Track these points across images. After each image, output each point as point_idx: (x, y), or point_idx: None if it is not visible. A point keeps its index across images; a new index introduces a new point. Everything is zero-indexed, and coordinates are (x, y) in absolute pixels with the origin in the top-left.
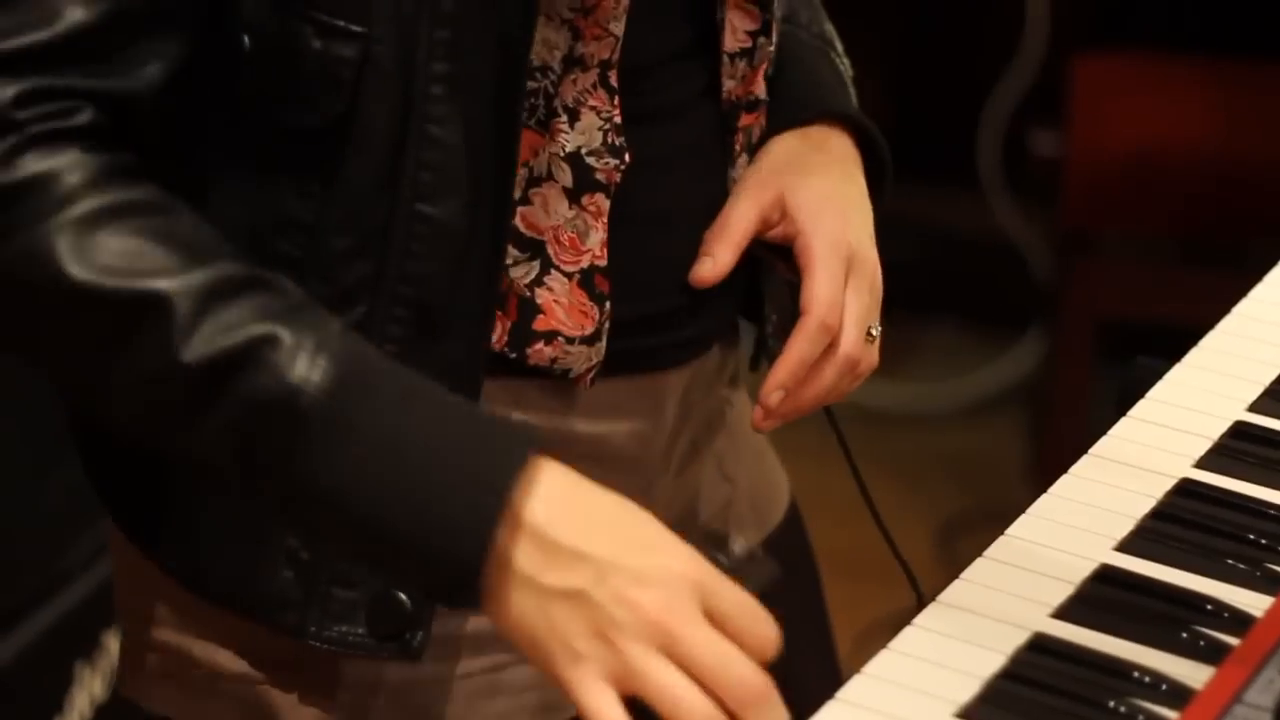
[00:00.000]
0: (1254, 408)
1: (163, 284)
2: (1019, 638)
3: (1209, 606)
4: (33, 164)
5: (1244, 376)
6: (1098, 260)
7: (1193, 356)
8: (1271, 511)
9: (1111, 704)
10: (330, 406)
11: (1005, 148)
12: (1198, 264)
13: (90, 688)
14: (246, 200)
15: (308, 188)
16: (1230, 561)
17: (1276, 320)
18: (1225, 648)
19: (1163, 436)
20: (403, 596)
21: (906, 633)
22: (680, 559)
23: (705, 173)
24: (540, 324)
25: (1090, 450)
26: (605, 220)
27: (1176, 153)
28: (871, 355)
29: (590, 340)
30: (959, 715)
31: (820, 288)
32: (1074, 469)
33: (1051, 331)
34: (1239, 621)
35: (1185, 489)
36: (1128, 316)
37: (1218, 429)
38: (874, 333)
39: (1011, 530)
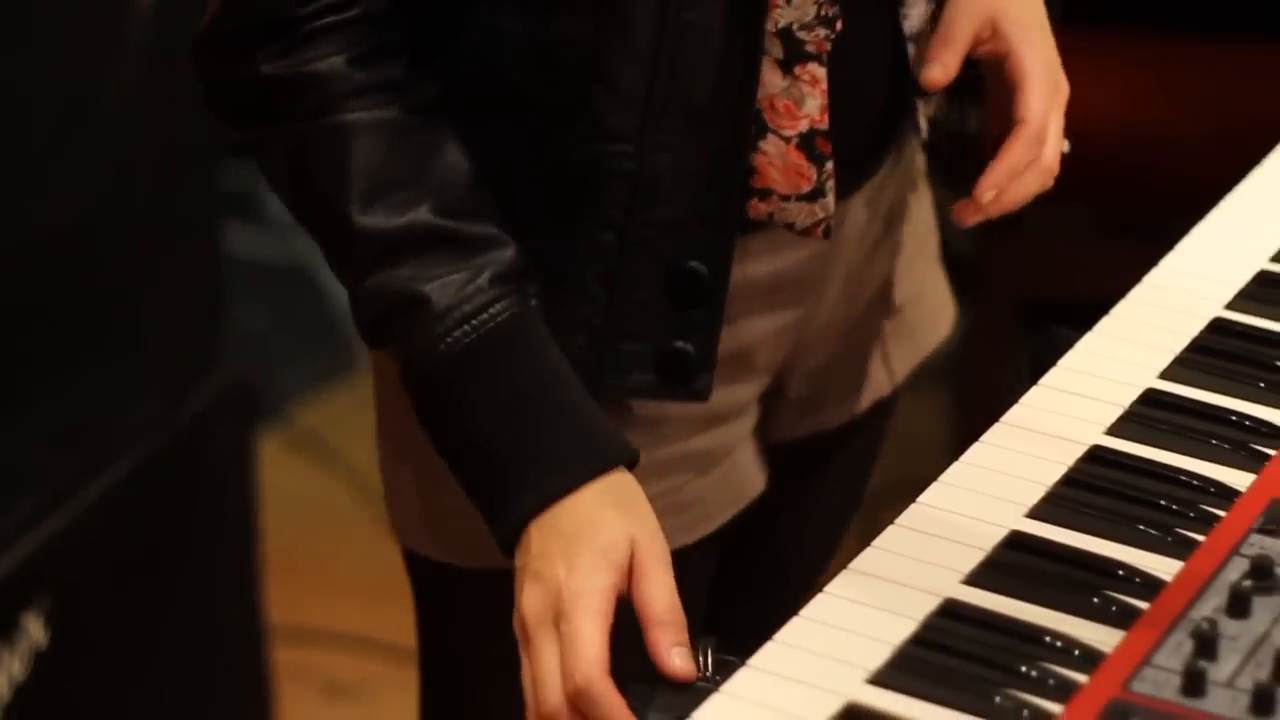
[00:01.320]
0: (1165, 375)
1: (368, 221)
2: (930, 604)
3: (1120, 572)
4: (309, 60)
5: (1155, 344)
6: (1018, 236)
7: (1104, 325)
8: (1182, 477)
9: (1023, 668)
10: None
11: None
12: (1118, 239)
13: (9, 668)
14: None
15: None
16: (1141, 527)
17: (1187, 288)
18: (1135, 612)
19: (1074, 404)
20: (688, 346)
21: (818, 600)
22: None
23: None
24: (756, 182)
25: (1002, 418)
26: (824, 87)
27: (1097, 128)
28: (1057, 168)
29: (810, 197)
30: (870, 681)
31: (1036, 101)
32: (985, 437)
33: (973, 306)
34: (1149, 586)
35: (1096, 456)
36: (1048, 291)
37: (1129, 396)
38: (1065, 149)
39: (923, 498)
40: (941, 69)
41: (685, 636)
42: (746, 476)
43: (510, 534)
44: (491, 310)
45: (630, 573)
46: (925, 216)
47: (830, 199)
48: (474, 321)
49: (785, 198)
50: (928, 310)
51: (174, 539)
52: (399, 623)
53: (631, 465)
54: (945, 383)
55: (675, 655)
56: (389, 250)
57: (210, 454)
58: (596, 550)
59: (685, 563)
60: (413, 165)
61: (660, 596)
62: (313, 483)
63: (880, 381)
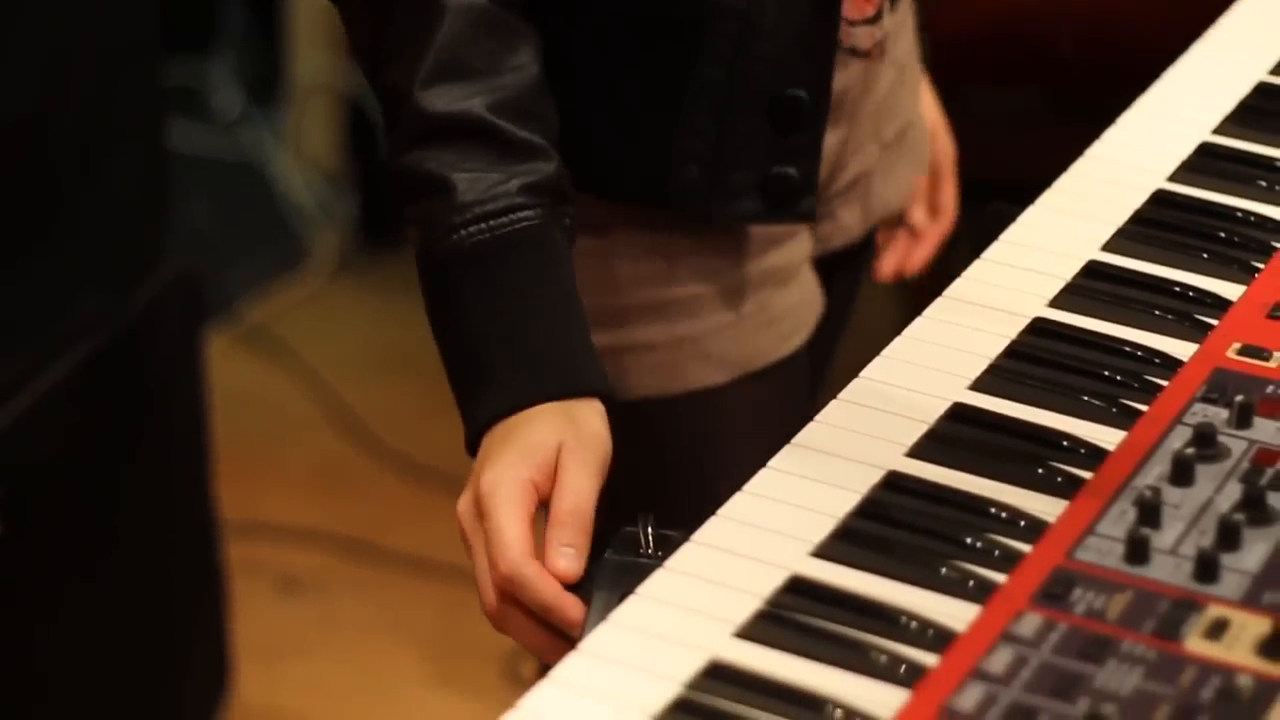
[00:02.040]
0: (1107, 247)
1: (425, 98)
2: (873, 476)
3: (1064, 442)
4: None
5: (1097, 217)
6: (966, 118)
7: (1046, 199)
8: (1125, 348)
9: (967, 539)
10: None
11: None
12: (1067, 122)
13: None
14: None
15: None
16: (1084, 398)
17: (1128, 161)
18: (1079, 482)
19: (1016, 277)
20: (792, 171)
21: (761, 475)
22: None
23: None
24: None
25: (944, 293)
26: None
27: (1043, 10)
28: None
29: (873, 20)
30: (814, 554)
31: (951, 190)
32: (928, 311)
33: None
34: (1093, 456)
35: (1039, 328)
36: (997, 174)
37: (1071, 269)
38: None
39: (866, 372)
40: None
41: (581, 540)
42: (816, 289)
43: (472, 438)
44: (512, 217)
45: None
46: (915, 41)
47: (886, 20)
48: (491, 223)
49: (853, 23)
50: (923, 132)
51: (123, 434)
52: (351, 516)
53: (604, 396)
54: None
55: (560, 556)
56: (434, 132)
57: (158, 349)
58: (517, 448)
59: (788, 373)
60: (485, 57)
61: (565, 497)
62: (263, 378)
63: (890, 198)
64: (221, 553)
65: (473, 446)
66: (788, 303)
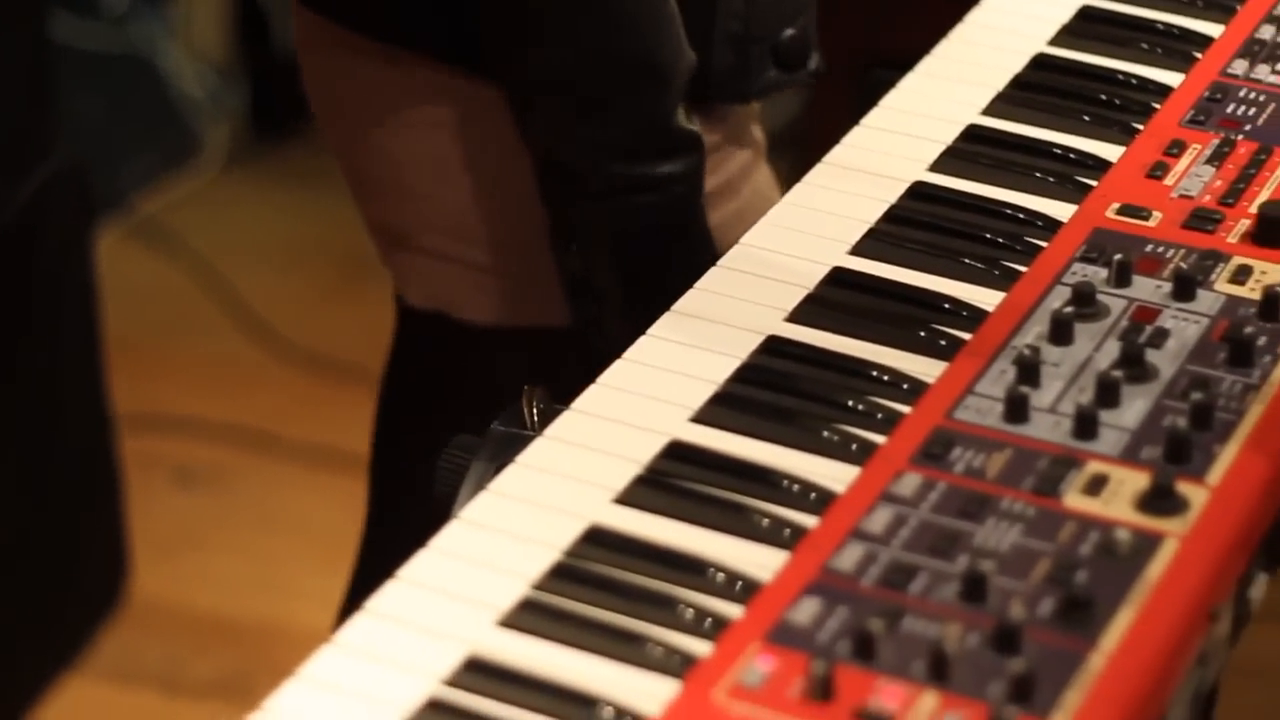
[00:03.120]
0: (987, 111)
1: None
2: (753, 342)
3: (945, 305)
4: None
5: (977, 81)
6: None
7: (925, 65)
8: (1006, 210)
9: (848, 402)
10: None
11: None
12: None
13: None
14: None
15: None
16: (965, 260)
17: (1008, 27)
18: (960, 343)
19: (896, 142)
20: (797, 31)
21: (640, 342)
22: None
23: None
24: None
25: (824, 159)
26: None
27: None
28: None
29: None
30: (694, 420)
31: None
32: (807, 177)
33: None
34: (974, 318)
35: (918, 192)
36: (887, 52)
37: (950, 133)
38: None
39: (746, 238)
40: None
41: None
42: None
43: None
44: None
45: None
46: None
47: None
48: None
49: None
50: None
51: (11, 325)
52: (248, 408)
53: None
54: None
55: None
56: None
57: (46, 241)
58: None
59: None
60: None
61: None
62: (157, 272)
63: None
64: (118, 446)
65: None
66: (768, 180)
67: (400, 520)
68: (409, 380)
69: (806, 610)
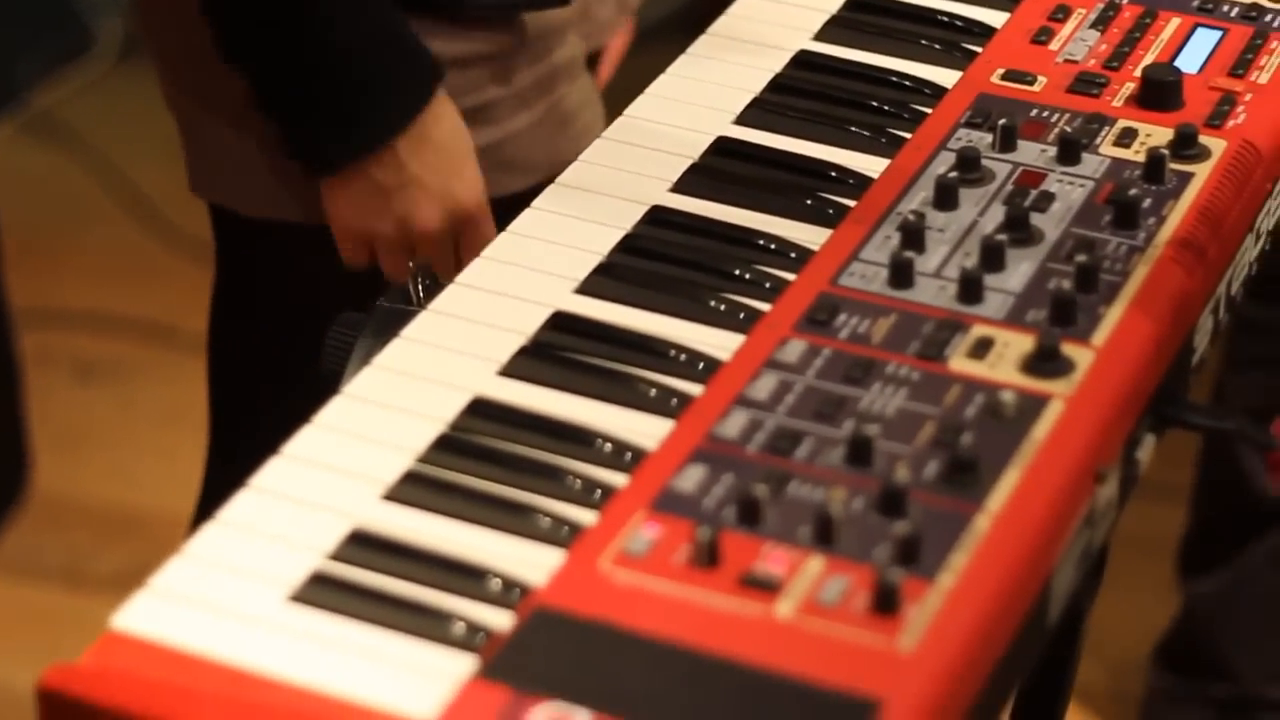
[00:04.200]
0: None
1: None
2: (638, 213)
3: (831, 173)
4: None
5: None
6: None
7: None
8: (891, 78)
9: (735, 271)
10: None
11: None
12: None
13: None
14: None
15: None
16: (851, 128)
17: None
18: (847, 211)
19: (780, 12)
20: None
21: (526, 215)
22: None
23: None
24: None
25: (707, 29)
26: None
27: None
28: None
29: None
30: (579, 291)
31: None
32: (691, 48)
33: None
34: (860, 185)
35: (803, 60)
36: None
37: (835, 2)
38: None
39: (630, 110)
40: None
41: None
42: (594, 88)
43: (373, 145)
44: None
45: None
46: None
47: None
48: None
49: None
50: None
51: None
52: (148, 301)
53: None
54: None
55: None
56: None
57: None
58: (464, 153)
59: None
60: None
61: None
62: (54, 166)
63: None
64: (16, 342)
65: (364, 151)
66: (575, 100)
67: (243, 425)
68: (224, 280)
69: (691, 478)
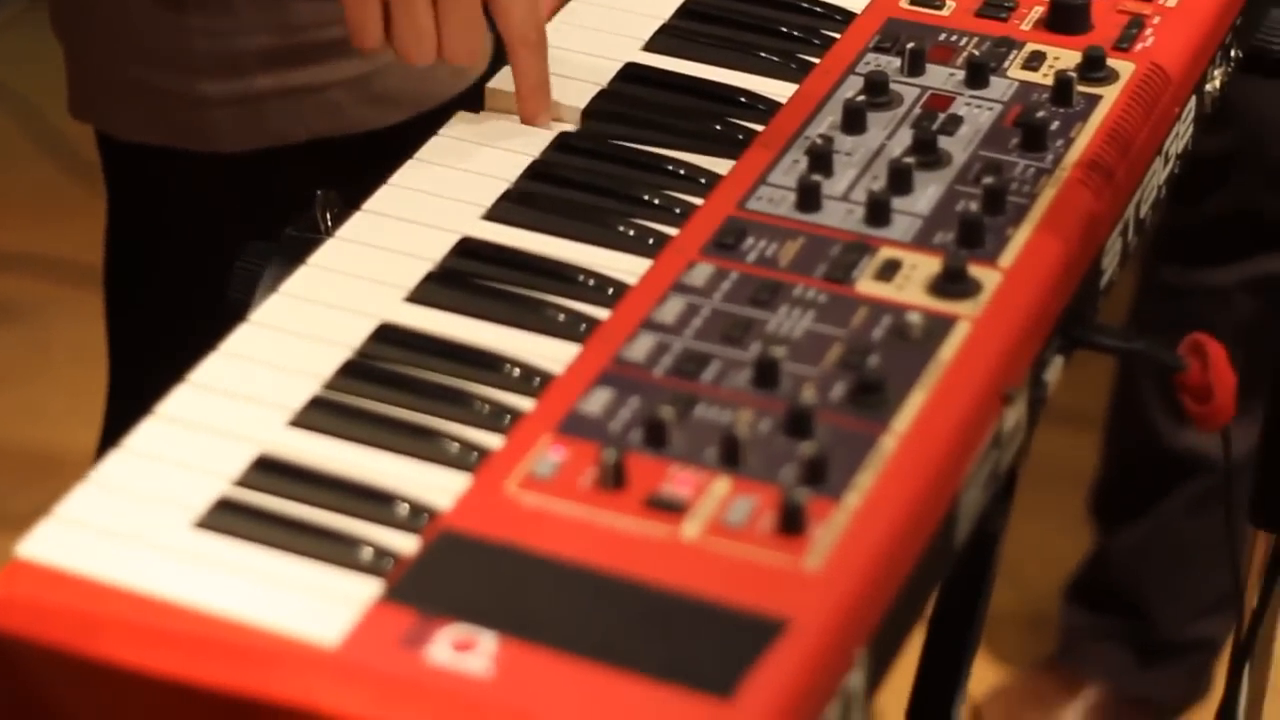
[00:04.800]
0: None
1: None
2: (547, 138)
3: (741, 99)
4: None
5: None
6: None
7: None
8: (802, 3)
9: (645, 196)
10: None
11: None
12: None
13: None
14: None
15: None
16: (761, 54)
17: None
18: (756, 136)
19: None
20: None
21: (432, 142)
22: None
23: None
24: None
25: None
26: None
27: None
28: None
29: None
30: (486, 217)
31: None
32: None
33: None
34: (769, 110)
35: None
36: None
37: None
38: None
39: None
40: None
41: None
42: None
43: None
44: None
45: None
46: None
47: None
48: None
49: None
50: None
51: None
52: (66, 241)
53: None
54: None
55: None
56: None
57: None
58: None
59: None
60: None
61: None
62: None
63: None
64: None
65: None
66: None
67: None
68: (111, 210)
69: (598, 400)
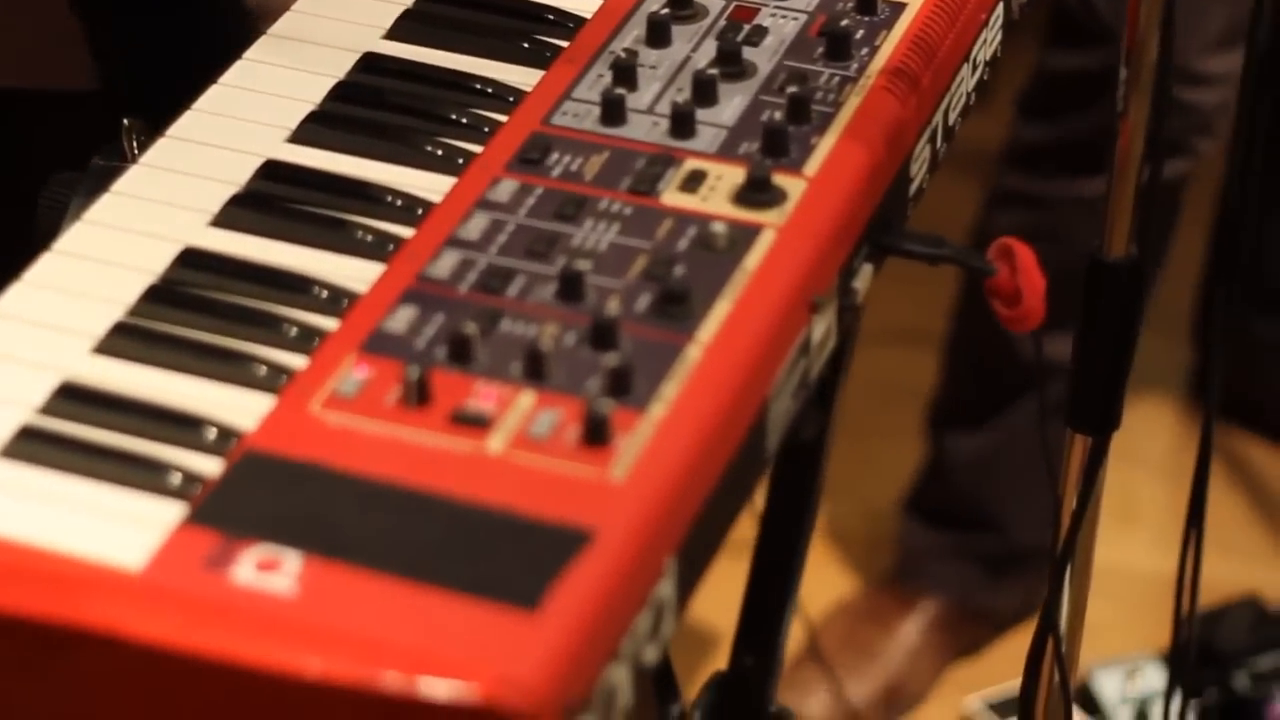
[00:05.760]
0: None
1: None
2: (350, 60)
3: (549, 15)
4: None
5: None
6: None
7: None
8: None
9: (451, 115)
10: None
11: None
12: None
13: None
14: None
15: None
16: None
17: None
18: (558, 51)
19: None
20: None
21: (237, 66)
22: None
23: None
24: None
25: None
26: None
27: None
28: None
29: None
30: (291, 140)
31: None
32: None
33: None
34: (576, 26)
35: None
36: None
37: None
38: None
39: None
40: None
41: None
42: None
43: None
44: None
45: None
46: None
47: None
48: None
49: None
50: None
51: None
52: None
53: None
54: None
55: None
56: None
57: None
58: None
59: None
60: None
61: None
62: None
63: None
64: None
65: None
66: None
67: None
68: None
69: (402, 318)
